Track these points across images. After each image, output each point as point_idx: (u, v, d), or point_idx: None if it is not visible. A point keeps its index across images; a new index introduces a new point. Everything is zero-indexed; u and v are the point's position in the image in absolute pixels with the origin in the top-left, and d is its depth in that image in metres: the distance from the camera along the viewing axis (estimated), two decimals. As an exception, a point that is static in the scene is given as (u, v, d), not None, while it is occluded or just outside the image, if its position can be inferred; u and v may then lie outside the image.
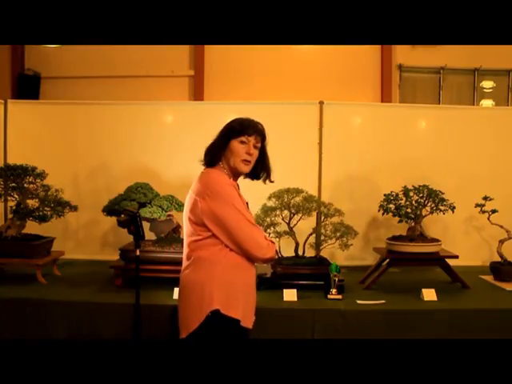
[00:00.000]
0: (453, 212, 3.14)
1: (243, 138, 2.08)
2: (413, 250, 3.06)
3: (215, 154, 2.11)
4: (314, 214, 3.16)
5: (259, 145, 2.14)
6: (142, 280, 2.50)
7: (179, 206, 3.06)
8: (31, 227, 3.24)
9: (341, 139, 3.69)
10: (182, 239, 2.21)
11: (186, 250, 2.13)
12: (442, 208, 3.13)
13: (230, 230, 2.00)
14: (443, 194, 3.15)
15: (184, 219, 2.13)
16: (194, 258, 2.06)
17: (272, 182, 2.24)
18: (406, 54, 7.13)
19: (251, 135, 2.09)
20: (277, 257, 3.06)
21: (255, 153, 2.13)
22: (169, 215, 3.11)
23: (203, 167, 2.17)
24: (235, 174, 2.14)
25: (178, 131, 3.74)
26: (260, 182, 2.26)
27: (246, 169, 2.11)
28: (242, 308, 2.03)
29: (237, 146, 2.08)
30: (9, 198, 3.26)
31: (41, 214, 3.15)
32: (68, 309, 2.70)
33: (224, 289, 2.00)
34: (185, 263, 2.12)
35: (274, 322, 2.55)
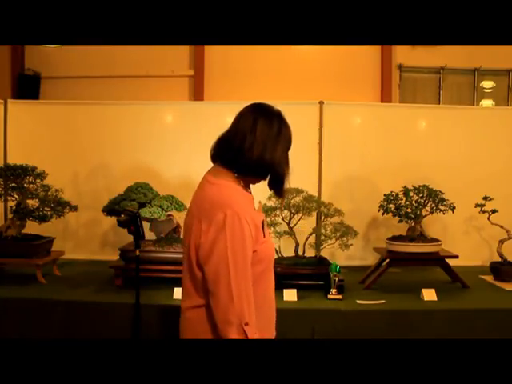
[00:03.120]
0: (453, 212, 3.14)
1: None
2: (413, 249, 3.06)
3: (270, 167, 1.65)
4: (314, 214, 3.16)
5: None
6: (141, 280, 2.50)
7: (179, 206, 3.06)
8: (31, 227, 3.24)
9: (341, 139, 3.69)
10: (182, 239, 2.17)
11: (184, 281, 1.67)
12: (442, 208, 3.13)
13: (209, 277, 1.54)
14: (443, 193, 3.15)
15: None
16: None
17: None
18: (405, 54, 7.12)
19: None
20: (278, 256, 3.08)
21: None
22: (169, 215, 3.10)
23: (210, 176, 1.66)
24: (249, 183, 1.77)
25: (178, 131, 3.74)
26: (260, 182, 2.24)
27: None
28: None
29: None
30: (9, 198, 3.26)
31: (41, 213, 3.15)
32: (68, 309, 2.70)
33: None
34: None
35: (273, 322, 2.54)
